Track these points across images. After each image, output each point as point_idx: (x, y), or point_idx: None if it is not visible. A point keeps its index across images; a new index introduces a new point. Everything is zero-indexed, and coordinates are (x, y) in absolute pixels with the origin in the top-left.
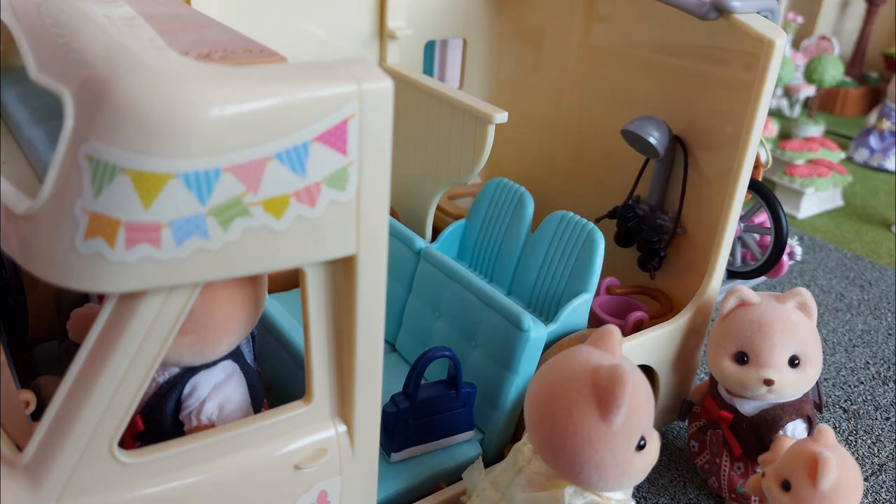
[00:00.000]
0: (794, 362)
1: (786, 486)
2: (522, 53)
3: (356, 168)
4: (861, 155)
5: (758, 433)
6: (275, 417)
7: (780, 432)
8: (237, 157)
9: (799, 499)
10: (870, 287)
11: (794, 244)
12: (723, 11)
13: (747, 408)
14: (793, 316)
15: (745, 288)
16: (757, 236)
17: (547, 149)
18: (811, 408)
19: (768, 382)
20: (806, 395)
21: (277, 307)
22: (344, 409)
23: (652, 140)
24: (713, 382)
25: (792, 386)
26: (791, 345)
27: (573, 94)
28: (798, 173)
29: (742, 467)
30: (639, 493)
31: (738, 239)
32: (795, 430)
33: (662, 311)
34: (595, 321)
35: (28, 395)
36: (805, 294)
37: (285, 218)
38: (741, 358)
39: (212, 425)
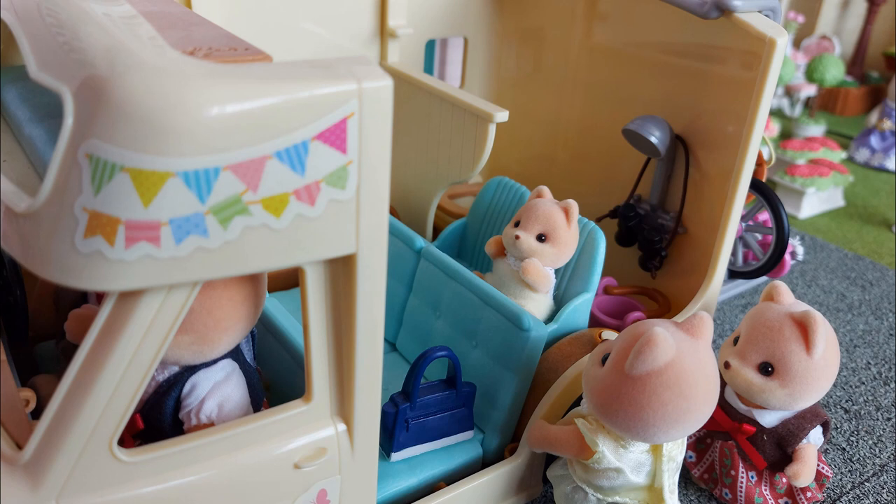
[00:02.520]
0: (766, 369)
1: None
2: (523, 52)
3: (356, 167)
4: (862, 155)
5: (781, 444)
6: (274, 416)
7: (805, 441)
8: (237, 156)
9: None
10: (871, 287)
11: (795, 244)
12: (724, 10)
13: (768, 419)
14: (787, 328)
15: (783, 285)
16: (759, 236)
17: (548, 148)
18: (824, 412)
19: (726, 365)
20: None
21: (277, 306)
22: (344, 408)
23: (653, 139)
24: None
25: (764, 392)
26: (764, 350)
27: (574, 93)
28: (799, 173)
29: (756, 476)
30: None
31: (740, 238)
32: (815, 435)
33: (661, 311)
34: (593, 322)
35: (28, 394)
36: (810, 317)
37: (285, 216)
38: (736, 340)
39: (211, 424)
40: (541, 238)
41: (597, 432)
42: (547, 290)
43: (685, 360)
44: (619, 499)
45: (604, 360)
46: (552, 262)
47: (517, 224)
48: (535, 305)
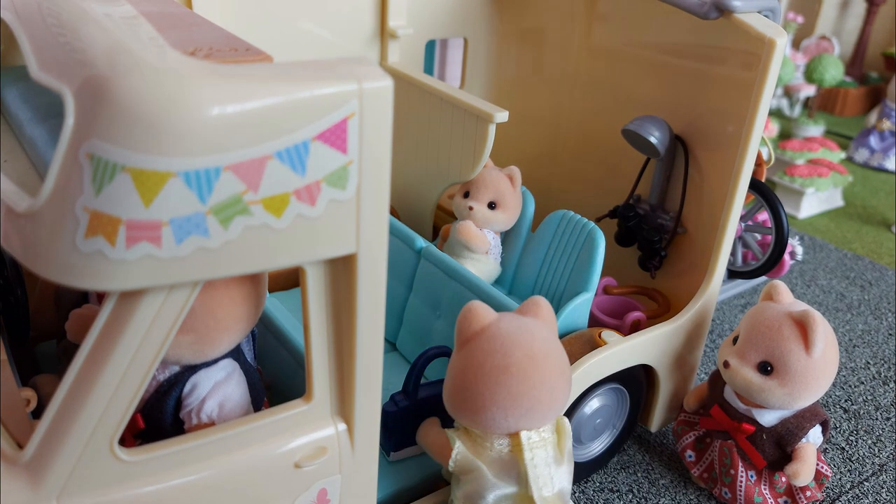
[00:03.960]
0: (765, 369)
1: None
2: (523, 53)
3: (356, 167)
4: (861, 155)
5: (780, 443)
6: (275, 416)
7: (804, 440)
8: (237, 156)
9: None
10: (870, 287)
11: (795, 244)
12: (724, 11)
13: (768, 418)
14: (786, 328)
15: (782, 285)
16: (758, 236)
17: (547, 148)
18: (823, 412)
19: (725, 364)
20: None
21: (278, 306)
22: (344, 407)
23: (653, 139)
24: (716, 391)
25: (764, 391)
26: (763, 349)
27: (574, 94)
28: (798, 173)
29: (755, 475)
30: (639, 493)
31: (739, 238)
32: (814, 434)
33: (660, 310)
34: (593, 322)
35: (29, 394)
36: (810, 317)
37: (285, 216)
38: (736, 340)
39: (212, 423)
40: (491, 206)
41: (460, 435)
42: (484, 251)
43: (502, 324)
44: None
45: None
46: (503, 226)
47: (467, 195)
48: (479, 266)
